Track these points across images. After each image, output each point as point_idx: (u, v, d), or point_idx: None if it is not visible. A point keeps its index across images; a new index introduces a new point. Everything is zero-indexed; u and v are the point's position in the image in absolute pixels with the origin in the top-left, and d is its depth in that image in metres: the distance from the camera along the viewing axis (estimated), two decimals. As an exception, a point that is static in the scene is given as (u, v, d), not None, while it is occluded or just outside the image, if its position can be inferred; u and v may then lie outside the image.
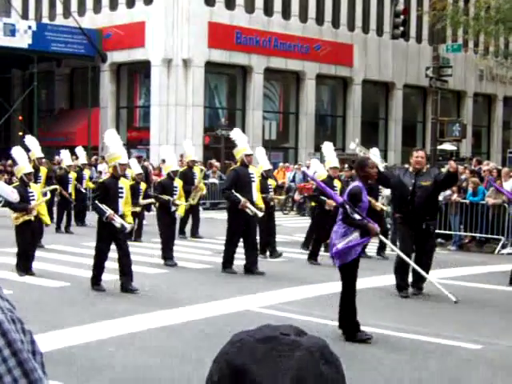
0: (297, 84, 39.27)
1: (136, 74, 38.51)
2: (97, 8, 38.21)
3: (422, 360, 8.00)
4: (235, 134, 14.67)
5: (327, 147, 16.50)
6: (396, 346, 8.50)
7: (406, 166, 12.28)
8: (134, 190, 16.56)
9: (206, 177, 25.49)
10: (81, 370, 7.51)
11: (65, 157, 21.24)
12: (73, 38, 36.14)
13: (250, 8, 37.02)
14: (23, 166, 13.30)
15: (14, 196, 12.38)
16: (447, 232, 18.47)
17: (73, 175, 20.87)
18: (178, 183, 15.46)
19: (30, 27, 35.12)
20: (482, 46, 42.57)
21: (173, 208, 15.06)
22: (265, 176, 15.74)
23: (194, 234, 19.43)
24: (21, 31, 34.38)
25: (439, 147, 28.33)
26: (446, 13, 31.93)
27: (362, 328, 8.74)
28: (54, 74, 40.53)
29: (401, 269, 11.54)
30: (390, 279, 12.03)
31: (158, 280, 12.89)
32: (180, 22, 34.63)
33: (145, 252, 16.27)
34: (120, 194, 11.88)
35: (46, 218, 13.69)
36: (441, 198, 15.44)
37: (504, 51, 41.63)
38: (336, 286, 12.44)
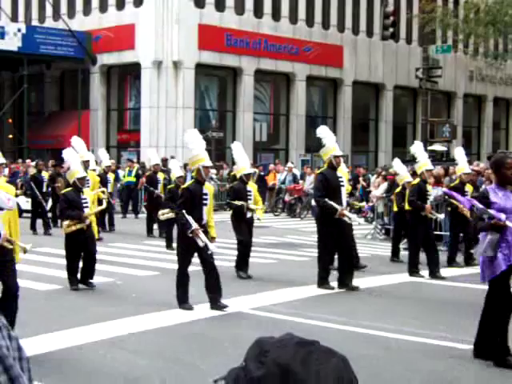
0: (287, 85, 39.28)
1: (126, 77, 38.45)
2: (86, 10, 38.13)
3: (413, 361, 8.01)
4: (322, 131, 12.73)
5: (459, 152, 15.41)
6: (385, 346, 8.51)
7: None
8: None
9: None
10: (71, 373, 7.49)
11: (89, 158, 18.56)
12: (62, 40, 36.08)
13: (239, 10, 37.01)
14: (76, 170, 12.21)
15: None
16: (438, 232, 18.48)
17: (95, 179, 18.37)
18: (252, 187, 14.08)
19: (19, 30, 35.05)
20: (472, 47, 42.73)
21: (248, 214, 13.73)
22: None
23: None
24: (10, 34, 34.29)
25: (429, 148, 28.36)
26: (435, 15, 32.03)
27: (352, 328, 8.73)
28: (44, 76, 40.42)
29: None
30: (379, 280, 11.97)
31: (149, 282, 12.87)
32: (170, 24, 34.60)
33: (143, 255, 16.22)
34: (204, 201, 10.50)
35: (93, 229, 12.77)
36: (432, 198, 15.35)
37: (493, 52, 41.81)
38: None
